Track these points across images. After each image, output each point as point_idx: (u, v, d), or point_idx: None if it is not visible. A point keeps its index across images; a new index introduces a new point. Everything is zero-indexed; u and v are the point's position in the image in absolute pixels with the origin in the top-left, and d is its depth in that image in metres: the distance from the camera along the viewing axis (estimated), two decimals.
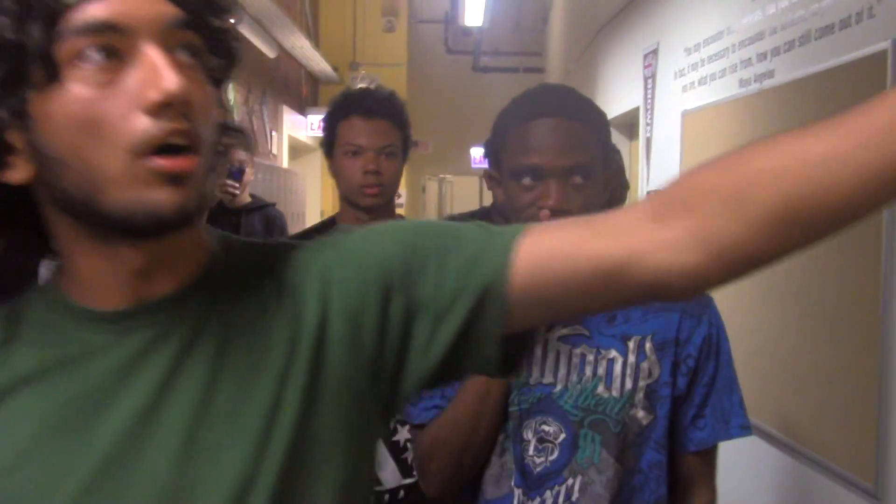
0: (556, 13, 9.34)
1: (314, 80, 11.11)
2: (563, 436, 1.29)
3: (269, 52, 8.33)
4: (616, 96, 5.48)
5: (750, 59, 3.12)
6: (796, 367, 2.65)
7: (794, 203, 0.64)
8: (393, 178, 1.96)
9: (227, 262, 0.78)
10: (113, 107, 0.66)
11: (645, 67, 4.52)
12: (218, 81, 0.77)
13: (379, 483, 1.85)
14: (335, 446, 0.75)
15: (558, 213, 1.19)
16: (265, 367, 0.73)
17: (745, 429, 1.38)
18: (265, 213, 3.72)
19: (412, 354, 0.77)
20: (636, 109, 4.72)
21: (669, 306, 1.34)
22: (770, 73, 2.94)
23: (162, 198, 0.67)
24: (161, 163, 0.66)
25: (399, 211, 8.79)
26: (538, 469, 1.29)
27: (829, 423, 2.44)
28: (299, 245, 0.81)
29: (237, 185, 3.61)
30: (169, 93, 0.65)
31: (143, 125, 0.66)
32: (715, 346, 1.36)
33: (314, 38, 10.22)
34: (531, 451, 1.29)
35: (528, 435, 1.29)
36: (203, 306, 0.75)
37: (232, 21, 0.77)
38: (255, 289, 0.76)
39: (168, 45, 0.68)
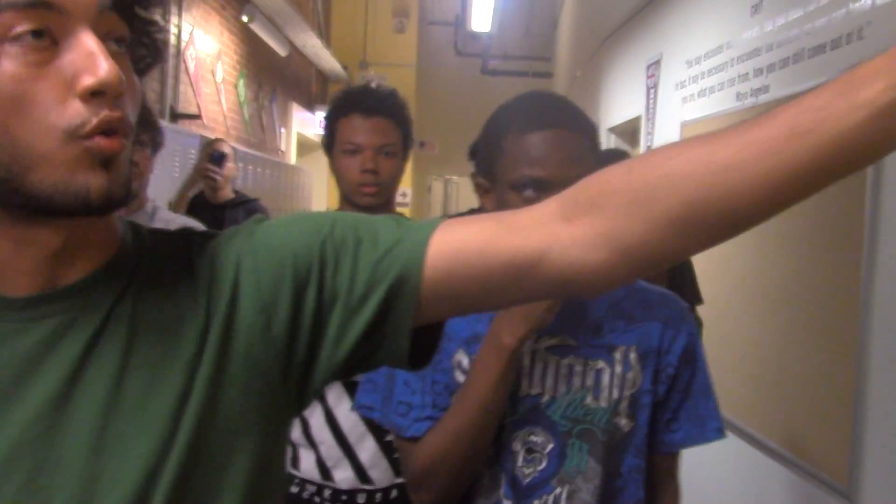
0: (565, 20, 9.43)
1: (324, 78, 11.22)
2: (551, 446, 1.29)
3: (281, 51, 8.43)
4: (619, 104, 5.58)
5: (747, 73, 3.21)
6: (778, 373, 2.75)
7: (695, 206, 0.66)
8: (392, 177, 1.96)
9: (138, 251, 0.77)
10: (45, 88, 0.65)
11: (648, 77, 4.62)
12: (140, 72, 0.76)
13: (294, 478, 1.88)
14: (242, 435, 0.74)
15: None
16: (175, 356, 0.72)
17: (720, 431, 1.40)
18: (250, 208, 3.67)
19: (324, 345, 0.77)
20: (638, 118, 4.82)
21: (653, 317, 1.36)
22: (766, 88, 3.04)
23: (92, 180, 0.67)
24: (98, 140, 0.66)
25: (405, 210, 8.84)
26: (527, 479, 1.29)
27: (806, 426, 2.55)
28: (212, 234, 0.81)
29: (218, 170, 3.60)
30: (104, 81, 0.65)
31: (76, 110, 0.66)
32: (692, 354, 1.39)
33: (325, 37, 10.31)
34: (520, 461, 1.29)
35: (517, 446, 1.29)
36: (113, 294, 0.73)
37: (157, 14, 0.78)
38: (166, 277, 0.76)
39: (99, 32, 0.67)
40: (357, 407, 1.38)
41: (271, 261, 0.76)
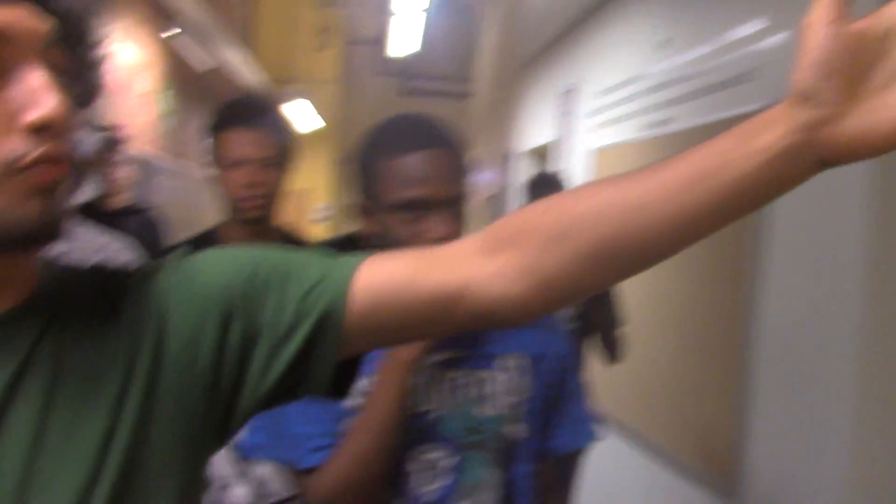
0: (486, 43, 9.63)
1: (246, 92, 11.20)
2: (447, 461, 1.28)
3: (204, 64, 8.43)
4: (536, 129, 5.78)
5: (654, 105, 3.42)
6: (673, 384, 2.96)
7: (609, 243, 0.70)
8: (275, 189, 1.93)
9: (56, 288, 0.75)
10: None
11: (563, 104, 4.82)
12: (79, 106, 0.76)
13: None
14: (168, 470, 0.73)
15: (447, 242, 1.17)
16: (101, 392, 0.71)
17: (596, 433, 1.44)
18: (145, 218, 3.47)
19: (249, 378, 0.77)
20: (553, 143, 5.02)
21: (535, 324, 1.36)
22: (671, 120, 3.24)
23: (30, 210, 0.66)
24: (36, 171, 0.65)
25: (326, 225, 8.77)
26: (428, 497, 1.28)
27: (697, 432, 2.75)
28: (141, 268, 0.80)
29: (110, 155, 3.28)
30: (49, 116, 0.64)
31: (16, 143, 0.65)
32: (570, 358, 1.43)
33: (249, 51, 10.32)
34: (418, 481, 1.28)
35: (413, 466, 1.28)
36: (34, 332, 0.71)
37: (100, 54, 0.77)
38: (87, 315, 0.74)
39: (45, 64, 0.67)
40: (240, 448, 1.35)
41: (197, 295, 0.76)
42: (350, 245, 2.05)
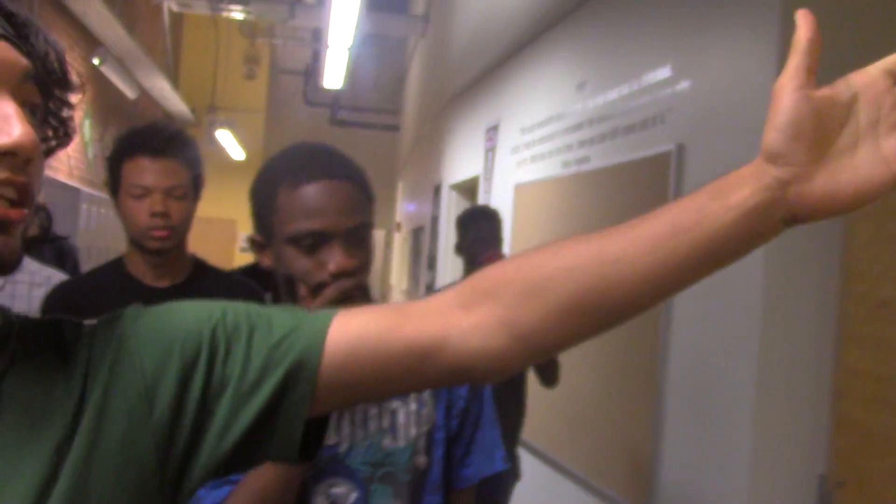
0: (413, 77, 9.78)
1: (172, 121, 11.15)
2: (354, 495, 1.25)
3: (130, 93, 8.39)
4: (461, 163, 5.92)
5: (572, 144, 3.57)
6: (594, 414, 3.08)
7: (588, 296, 0.71)
8: (183, 220, 1.85)
9: (6, 333, 0.72)
10: None
11: (487, 140, 4.96)
12: (47, 153, 0.74)
13: None
14: None
15: (345, 274, 1.19)
16: (43, 438, 0.68)
17: (506, 459, 1.43)
18: (58, 247, 3.36)
19: (208, 436, 0.73)
20: (477, 177, 5.16)
21: None
22: (587, 159, 3.39)
23: None
24: None
25: (247, 256, 8.83)
26: None
27: (614, 459, 2.88)
28: (102, 316, 0.78)
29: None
30: (17, 143, 0.63)
31: None
32: (479, 387, 1.40)
33: (174, 80, 10.29)
34: None
35: (320, 500, 1.24)
36: None
37: (73, 97, 0.77)
38: (38, 361, 0.71)
39: (17, 99, 0.66)
40: None
41: (156, 344, 0.73)
42: (253, 274, 2.05)
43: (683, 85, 2.63)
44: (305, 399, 0.74)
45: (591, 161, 3.35)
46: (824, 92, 0.66)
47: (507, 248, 4.19)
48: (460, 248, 3.15)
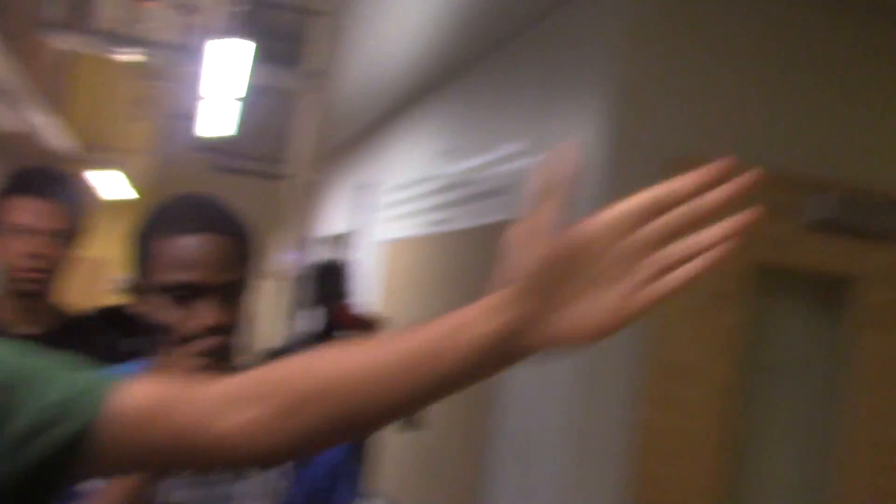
0: (296, 129, 9.95)
1: (55, 157, 10.96)
2: None
3: (10, 126, 8.28)
4: (336, 217, 6.12)
5: (437, 205, 3.83)
6: (436, 458, 3.31)
7: (349, 410, 0.75)
8: (57, 263, 1.80)
9: None
10: None
11: (360, 197, 5.18)
12: None
13: None
14: None
15: (216, 330, 1.18)
16: None
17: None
18: None
19: None
20: (350, 233, 5.37)
21: None
22: (450, 220, 3.65)
23: None
24: None
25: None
26: None
27: (450, 498, 3.10)
28: None
29: None
30: None
31: None
32: (343, 464, 1.37)
33: (60, 117, 10.17)
34: None
35: None
36: None
37: None
38: None
39: None
40: None
41: None
42: (114, 317, 2.09)
43: (532, 159, 2.92)
44: (72, 468, 0.74)
45: (451, 222, 3.60)
46: (562, 239, 0.69)
47: (375, 299, 4.40)
48: (316, 300, 3.34)
